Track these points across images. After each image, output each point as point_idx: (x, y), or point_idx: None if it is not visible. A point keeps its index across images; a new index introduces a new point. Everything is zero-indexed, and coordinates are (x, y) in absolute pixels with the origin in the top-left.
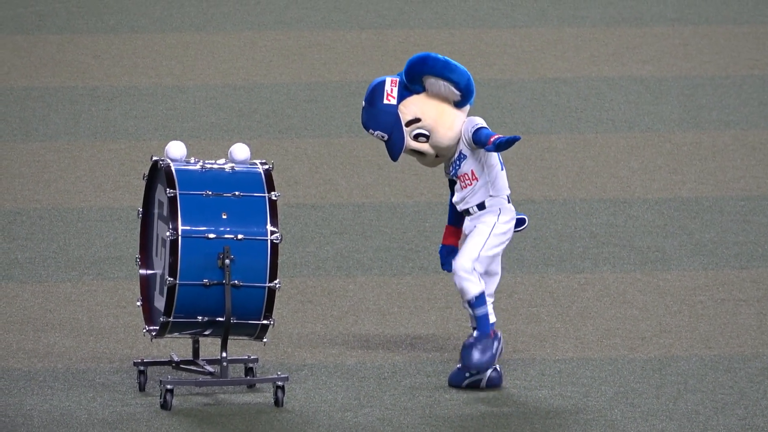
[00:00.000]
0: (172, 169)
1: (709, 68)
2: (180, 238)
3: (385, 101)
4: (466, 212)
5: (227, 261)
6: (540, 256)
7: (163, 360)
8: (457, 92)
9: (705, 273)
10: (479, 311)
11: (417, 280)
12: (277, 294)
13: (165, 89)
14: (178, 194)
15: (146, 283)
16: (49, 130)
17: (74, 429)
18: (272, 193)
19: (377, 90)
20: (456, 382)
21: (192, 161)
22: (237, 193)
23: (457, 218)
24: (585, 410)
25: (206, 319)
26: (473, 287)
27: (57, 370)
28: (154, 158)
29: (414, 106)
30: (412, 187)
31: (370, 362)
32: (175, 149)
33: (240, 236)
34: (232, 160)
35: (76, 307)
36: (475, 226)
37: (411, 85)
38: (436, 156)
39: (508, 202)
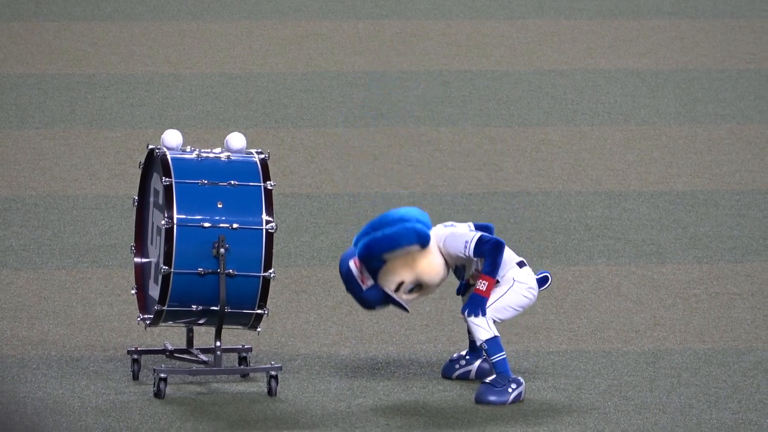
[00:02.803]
0: (168, 157)
1: (706, 62)
2: (175, 226)
3: (364, 287)
4: None
5: (222, 250)
6: (535, 248)
7: (157, 348)
8: (415, 247)
9: (699, 266)
10: (495, 357)
11: None
12: (272, 283)
13: (161, 77)
14: (173, 183)
15: (141, 272)
16: (45, 117)
17: (67, 417)
18: (268, 182)
19: (350, 281)
20: (448, 373)
21: (188, 150)
22: (233, 182)
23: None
24: (578, 403)
25: (200, 307)
26: (482, 333)
27: (51, 357)
28: (150, 146)
29: (390, 276)
30: (407, 177)
31: (363, 353)
32: (171, 138)
33: (235, 225)
34: (228, 149)
35: (70, 294)
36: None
37: (374, 264)
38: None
39: (521, 267)
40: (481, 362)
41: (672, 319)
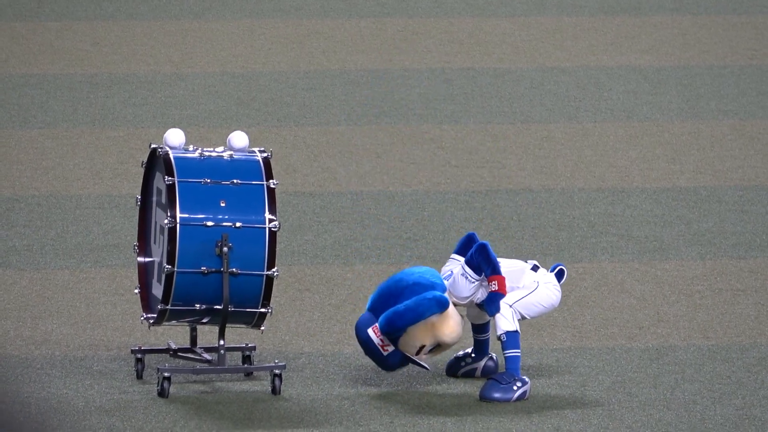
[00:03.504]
0: (171, 156)
1: (708, 58)
2: (178, 225)
3: (384, 353)
4: None
5: (225, 249)
6: (538, 246)
7: (160, 348)
8: (436, 316)
9: (703, 263)
10: (510, 352)
11: None
12: (275, 282)
13: (164, 77)
14: (176, 182)
15: (144, 271)
16: (48, 117)
17: (71, 416)
18: (270, 181)
19: (370, 348)
20: (453, 371)
21: (190, 149)
22: (235, 180)
23: None
24: (582, 399)
25: (204, 306)
26: (505, 324)
27: (54, 357)
28: (153, 146)
29: (411, 342)
30: (410, 175)
31: None
32: (174, 137)
33: (238, 224)
34: (231, 148)
35: (73, 294)
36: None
37: (395, 336)
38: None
39: (536, 270)
40: (487, 360)
41: (675, 315)
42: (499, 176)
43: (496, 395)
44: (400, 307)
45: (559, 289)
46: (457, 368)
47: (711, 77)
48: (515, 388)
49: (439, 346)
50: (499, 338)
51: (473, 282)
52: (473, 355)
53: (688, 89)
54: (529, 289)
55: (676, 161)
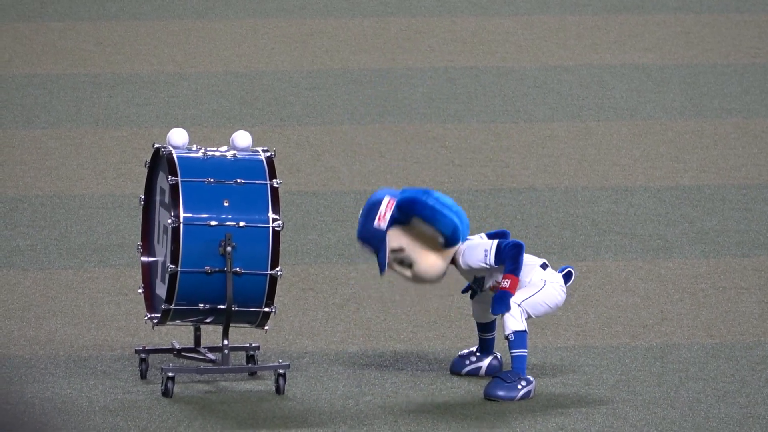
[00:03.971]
0: (174, 156)
1: (711, 56)
2: (182, 225)
3: (376, 224)
4: None
5: (229, 248)
6: (542, 244)
7: (164, 347)
8: (441, 239)
9: (707, 261)
10: (517, 352)
11: None
12: (279, 281)
13: (167, 76)
14: (179, 181)
15: (148, 271)
16: (51, 117)
17: (75, 416)
18: (274, 180)
19: (372, 210)
20: (457, 369)
21: (194, 148)
22: (239, 180)
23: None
24: (586, 398)
25: (208, 306)
26: (513, 323)
27: (58, 357)
28: (156, 145)
29: (400, 237)
30: (413, 174)
31: (371, 350)
32: (177, 136)
33: (242, 223)
34: (234, 148)
35: (77, 294)
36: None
37: (401, 217)
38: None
39: (544, 268)
40: (492, 359)
41: (679, 313)
42: (503, 175)
43: (500, 393)
44: (430, 200)
45: (564, 290)
46: (461, 367)
47: (714, 76)
48: (520, 386)
49: (409, 268)
50: (506, 337)
51: (485, 264)
52: (478, 353)
53: (691, 88)
54: (536, 287)
55: (680, 160)
